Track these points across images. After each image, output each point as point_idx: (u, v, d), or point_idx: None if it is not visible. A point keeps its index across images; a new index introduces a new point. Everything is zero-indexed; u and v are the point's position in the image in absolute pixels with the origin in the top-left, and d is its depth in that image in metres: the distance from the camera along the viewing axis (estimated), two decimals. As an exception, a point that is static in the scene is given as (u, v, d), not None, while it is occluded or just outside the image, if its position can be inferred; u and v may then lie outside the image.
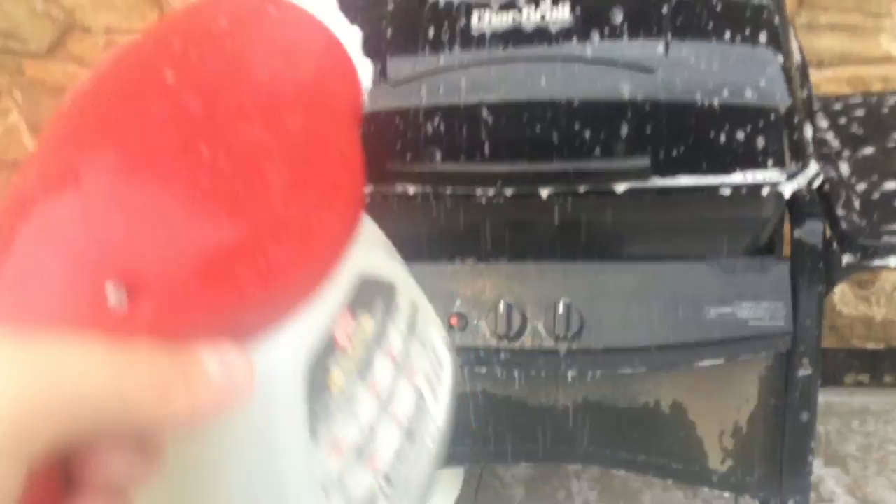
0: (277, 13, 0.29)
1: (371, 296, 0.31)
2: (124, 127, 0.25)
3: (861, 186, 0.76)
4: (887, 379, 1.37)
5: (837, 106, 0.89)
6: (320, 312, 0.28)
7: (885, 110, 0.87)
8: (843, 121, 0.87)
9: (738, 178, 0.68)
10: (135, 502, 0.24)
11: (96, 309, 0.23)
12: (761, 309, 0.74)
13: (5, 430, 0.20)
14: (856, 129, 0.85)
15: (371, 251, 0.32)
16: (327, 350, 0.29)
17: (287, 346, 0.27)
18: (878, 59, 1.05)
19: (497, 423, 0.91)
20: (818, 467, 1.26)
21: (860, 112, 0.88)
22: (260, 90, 0.27)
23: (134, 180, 0.24)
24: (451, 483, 1.16)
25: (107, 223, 0.24)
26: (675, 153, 0.68)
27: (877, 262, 0.69)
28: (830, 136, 0.84)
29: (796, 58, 0.74)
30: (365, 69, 0.32)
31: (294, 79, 0.28)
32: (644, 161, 0.67)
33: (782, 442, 0.83)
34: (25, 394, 0.20)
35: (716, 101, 0.67)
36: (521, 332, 0.80)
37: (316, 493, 0.29)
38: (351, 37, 0.31)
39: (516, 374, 0.84)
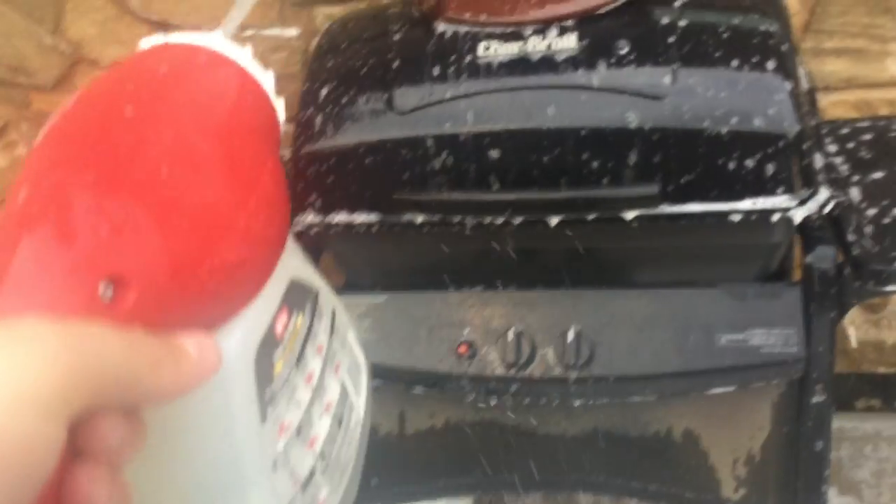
0: (206, 60, 0.35)
1: (300, 297, 0.37)
2: (98, 153, 0.30)
3: (872, 211, 0.76)
4: (899, 403, 1.35)
5: (845, 130, 0.88)
6: (263, 308, 0.34)
7: (893, 134, 0.87)
8: (851, 145, 0.86)
9: (748, 204, 0.68)
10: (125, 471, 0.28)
11: (91, 302, 0.27)
12: (773, 335, 0.73)
13: (55, 392, 0.24)
14: (865, 153, 0.85)
15: (296, 259, 0.38)
16: (270, 341, 0.34)
17: (239, 336, 0.33)
18: (884, 83, 1.05)
19: (506, 452, 0.90)
20: (832, 496, 1.24)
21: (868, 136, 0.88)
22: (198, 120, 0.32)
23: (111, 196, 0.29)
24: (459, 512, 1.15)
25: (94, 232, 0.28)
26: (683, 180, 0.68)
27: (889, 288, 0.68)
28: (839, 161, 0.83)
29: (804, 84, 0.74)
30: (279, 105, 0.38)
31: (222, 109, 0.34)
32: (653, 188, 0.67)
33: (796, 470, 0.82)
34: (68, 363, 0.24)
35: (724, 128, 0.67)
36: (530, 361, 0.79)
37: (266, 467, 0.34)
38: (265, 77, 0.38)
39: (525, 402, 0.84)
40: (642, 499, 0.89)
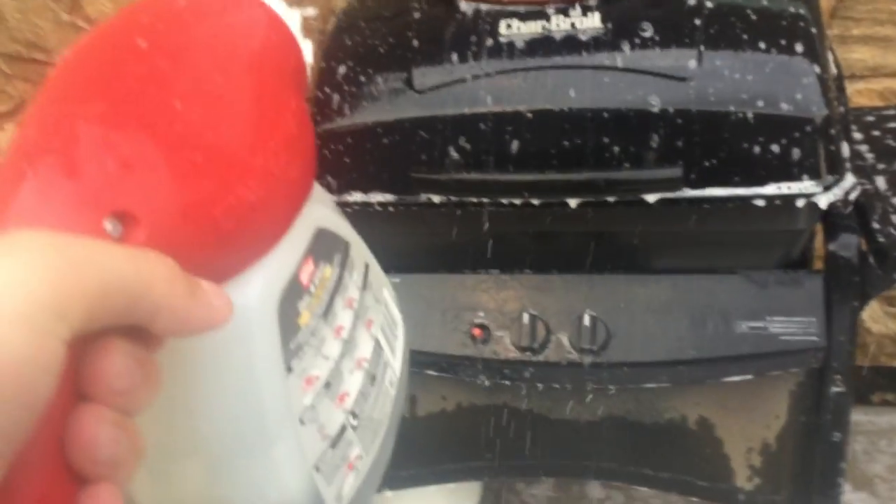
0: None
1: (328, 247, 0.36)
2: (109, 84, 0.29)
3: (897, 200, 0.74)
4: (916, 398, 1.34)
5: (870, 118, 0.87)
6: (286, 255, 0.33)
7: (919, 123, 0.86)
8: (876, 133, 0.85)
9: (773, 189, 0.67)
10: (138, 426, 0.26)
11: (96, 237, 0.26)
12: (793, 324, 0.72)
13: (48, 304, 0.22)
14: (890, 141, 0.83)
15: (325, 209, 0.37)
16: (295, 290, 0.33)
17: (260, 284, 0.32)
18: (911, 72, 1.03)
19: (517, 437, 0.89)
20: (847, 491, 1.23)
21: (893, 124, 0.86)
22: (217, 56, 0.31)
23: (121, 129, 0.28)
24: (468, 497, 1.14)
25: (100, 166, 0.27)
26: (707, 163, 0.67)
27: (915, 278, 0.67)
28: (864, 149, 0.82)
29: (832, 69, 0.72)
30: (306, 47, 0.37)
31: (245, 47, 0.32)
32: (676, 171, 0.66)
33: (812, 461, 0.81)
34: (63, 272, 0.23)
35: (750, 111, 0.66)
36: (544, 345, 0.78)
37: (293, 422, 0.33)
38: (291, 17, 0.36)
39: (539, 387, 0.83)
40: (654, 487, 0.88)
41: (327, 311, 0.35)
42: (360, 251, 0.40)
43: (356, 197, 0.77)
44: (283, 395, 0.33)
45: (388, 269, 0.86)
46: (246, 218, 0.30)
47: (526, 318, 0.79)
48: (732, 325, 0.73)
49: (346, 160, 0.76)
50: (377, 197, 0.76)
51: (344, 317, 0.37)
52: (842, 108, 0.73)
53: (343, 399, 0.36)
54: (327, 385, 0.35)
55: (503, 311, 0.80)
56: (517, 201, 0.71)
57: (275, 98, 0.32)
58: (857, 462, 1.27)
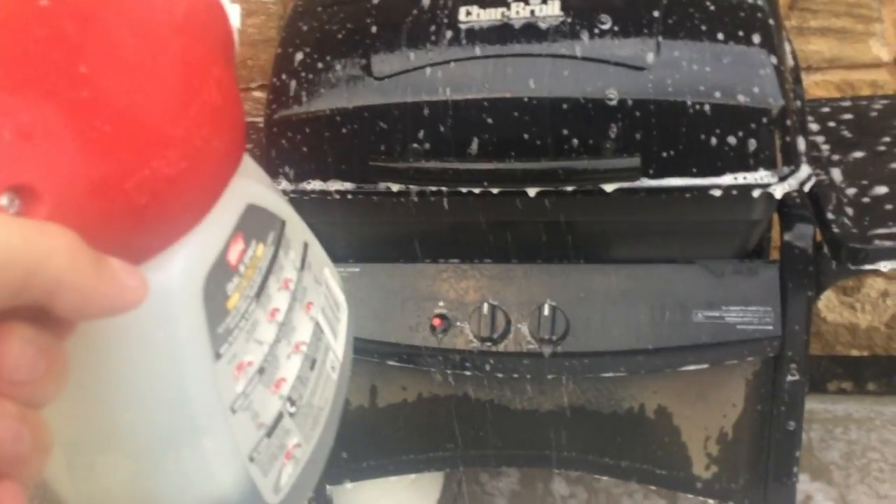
0: None
1: (261, 225, 0.34)
2: (6, 46, 0.26)
3: (851, 191, 0.75)
4: (870, 387, 1.36)
5: (826, 109, 0.88)
6: (212, 233, 0.31)
7: (874, 114, 0.87)
8: (831, 125, 0.86)
9: (729, 179, 0.67)
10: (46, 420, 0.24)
11: None
12: (749, 313, 0.73)
13: None
14: (845, 133, 0.84)
15: (258, 184, 0.35)
16: (222, 271, 0.31)
17: (182, 264, 0.30)
18: (867, 64, 1.04)
19: (478, 427, 0.89)
20: (804, 481, 1.25)
21: (848, 116, 0.87)
22: (133, 17, 0.28)
23: (18, 95, 0.25)
24: (429, 490, 1.14)
25: None
26: (665, 153, 0.67)
27: (867, 267, 0.68)
28: (820, 140, 0.83)
29: (790, 60, 0.73)
30: (233, 11, 0.35)
31: (165, 9, 0.30)
32: (634, 161, 0.66)
33: (768, 449, 0.82)
34: None
35: (708, 102, 0.66)
36: (504, 335, 0.78)
37: (224, 411, 0.31)
38: None
39: (499, 377, 0.83)
40: (613, 476, 0.89)
41: (260, 293, 0.33)
42: (298, 229, 0.38)
43: (314, 185, 0.76)
44: (211, 382, 0.31)
45: (347, 258, 0.85)
46: (163, 192, 0.28)
47: (486, 308, 0.78)
48: (689, 315, 0.74)
49: (304, 148, 0.75)
50: (336, 185, 0.75)
51: (279, 299, 0.35)
52: (798, 100, 0.74)
53: (279, 385, 0.34)
54: (261, 371, 0.33)
55: (463, 301, 0.80)
56: (476, 190, 0.70)
57: (197, 64, 0.30)
58: (812, 450, 1.29)
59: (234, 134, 0.32)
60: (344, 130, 0.73)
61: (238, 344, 0.32)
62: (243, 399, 0.32)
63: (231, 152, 0.32)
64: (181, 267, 0.30)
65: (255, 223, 0.33)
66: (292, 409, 0.35)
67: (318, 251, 0.40)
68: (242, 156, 0.33)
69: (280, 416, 0.34)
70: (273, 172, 0.77)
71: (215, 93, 0.30)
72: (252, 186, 0.34)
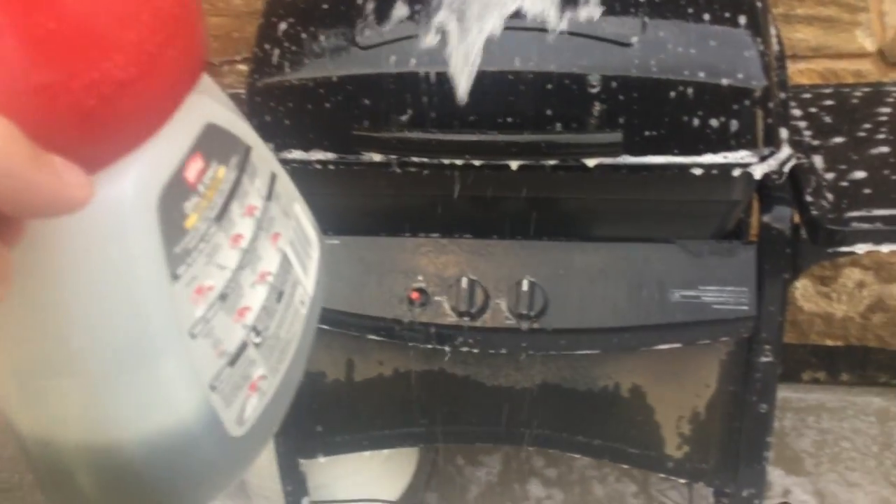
0: None
1: (222, 146, 0.33)
2: None
3: (830, 175, 0.76)
4: (844, 377, 1.38)
5: (808, 95, 0.88)
6: (168, 148, 0.30)
7: (855, 101, 0.87)
8: (813, 110, 0.86)
9: (710, 158, 0.67)
10: None
11: None
12: (726, 293, 0.73)
13: None
14: (826, 118, 0.85)
15: (220, 106, 0.34)
16: (179, 188, 0.30)
17: (136, 176, 0.29)
18: (852, 54, 1.05)
19: (453, 403, 0.89)
20: (779, 476, 1.27)
21: (830, 102, 0.88)
22: None
23: None
24: (403, 467, 1.14)
25: None
26: (647, 130, 0.67)
27: (843, 249, 0.68)
28: (802, 126, 0.83)
29: (774, 43, 0.73)
30: None
31: None
32: (616, 136, 0.66)
33: (740, 430, 0.82)
34: None
35: (691, 80, 0.66)
36: (483, 310, 0.78)
37: (181, 334, 0.30)
38: None
39: (476, 352, 0.83)
40: (586, 454, 0.89)
41: (221, 216, 0.32)
42: (266, 159, 0.37)
43: (296, 155, 0.75)
44: (168, 304, 0.30)
45: (326, 230, 0.84)
46: (113, 97, 0.27)
47: (465, 282, 0.78)
48: (667, 294, 0.74)
49: (286, 117, 0.75)
50: (317, 155, 0.75)
51: (243, 225, 0.34)
52: (782, 83, 0.74)
53: (243, 314, 0.33)
54: (223, 297, 0.32)
55: (442, 275, 0.80)
56: (458, 162, 0.70)
57: None
58: (785, 438, 1.30)
59: (191, 46, 0.31)
60: (327, 100, 0.73)
61: (197, 266, 0.31)
62: (203, 324, 0.31)
63: (187, 64, 0.31)
64: (134, 179, 0.29)
65: (215, 143, 0.33)
66: (257, 340, 0.34)
67: (287, 184, 0.39)
68: (202, 72, 0.32)
69: (244, 346, 0.34)
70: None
71: (174, 3, 0.29)
72: (213, 106, 0.33)
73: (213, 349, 0.32)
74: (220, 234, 0.32)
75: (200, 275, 0.31)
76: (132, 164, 0.29)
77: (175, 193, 0.30)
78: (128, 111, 0.28)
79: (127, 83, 0.27)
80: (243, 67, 1.16)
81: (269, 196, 0.36)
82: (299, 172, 0.76)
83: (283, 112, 0.75)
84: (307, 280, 0.39)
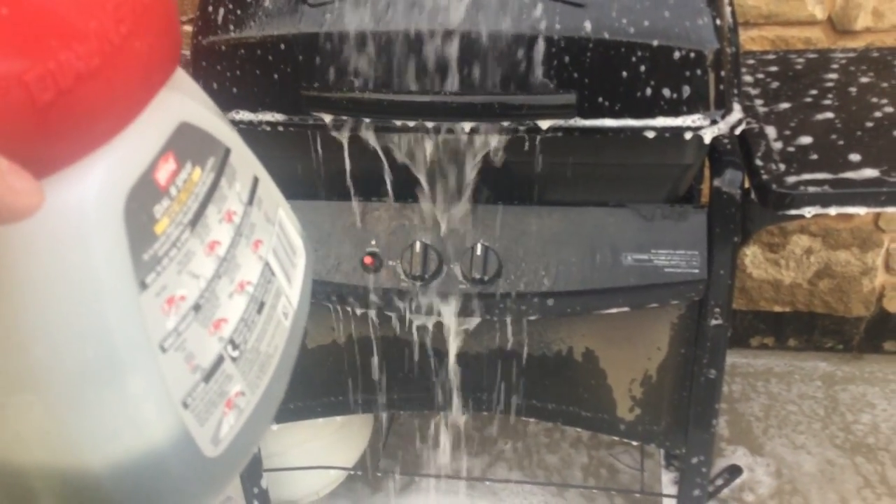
0: None
1: (198, 147, 0.31)
2: None
3: (778, 139, 0.76)
4: (791, 342, 1.41)
5: (753, 61, 0.89)
6: (136, 147, 0.28)
7: (799, 67, 0.88)
8: (760, 76, 0.87)
9: (662, 121, 0.67)
10: None
11: None
12: (677, 257, 0.74)
13: None
14: (772, 84, 0.85)
15: (197, 104, 0.32)
16: (148, 190, 0.28)
17: (100, 177, 0.27)
18: (802, 22, 1.06)
19: (407, 369, 0.89)
20: (742, 455, 1.29)
21: (775, 68, 0.88)
22: None
23: None
24: (357, 435, 1.14)
25: None
26: (600, 92, 0.67)
27: (792, 212, 0.69)
28: (750, 91, 0.84)
29: (727, 9, 0.73)
30: None
31: None
32: (570, 98, 0.66)
33: (690, 393, 0.84)
34: None
35: (644, 41, 0.66)
36: (436, 274, 0.78)
37: (151, 349, 0.28)
38: None
39: (430, 317, 0.82)
40: (539, 418, 0.90)
41: (196, 221, 0.30)
42: (247, 161, 0.35)
43: (243, 115, 0.73)
44: (134, 315, 0.28)
45: (278, 195, 0.83)
46: (71, 91, 0.24)
47: (418, 247, 0.78)
48: (619, 258, 0.75)
49: (233, 77, 0.73)
50: (265, 116, 0.73)
51: (220, 231, 0.32)
52: (733, 47, 0.74)
53: (219, 326, 0.31)
54: (197, 308, 0.30)
55: (395, 240, 0.79)
56: (410, 123, 0.69)
57: None
58: (734, 402, 1.33)
59: (163, 37, 0.29)
60: (274, 59, 0.71)
61: (168, 275, 0.29)
62: (175, 337, 0.29)
63: (158, 57, 0.29)
64: (97, 181, 0.27)
65: (190, 144, 0.30)
66: (234, 354, 0.32)
67: (271, 189, 0.37)
68: (175, 65, 0.30)
69: (220, 360, 0.31)
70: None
71: None
72: (188, 104, 0.31)
73: (185, 364, 0.30)
74: (195, 240, 0.30)
75: (172, 284, 0.29)
76: (96, 164, 0.27)
77: (144, 196, 0.28)
78: (89, 106, 0.26)
79: (87, 76, 0.25)
80: (189, 28, 1.12)
81: (251, 201, 0.34)
82: (248, 134, 0.74)
83: (230, 72, 0.73)
84: (291, 290, 0.37)
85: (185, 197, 0.30)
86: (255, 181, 0.35)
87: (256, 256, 0.34)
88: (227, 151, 0.33)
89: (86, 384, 0.28)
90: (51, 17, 0.24)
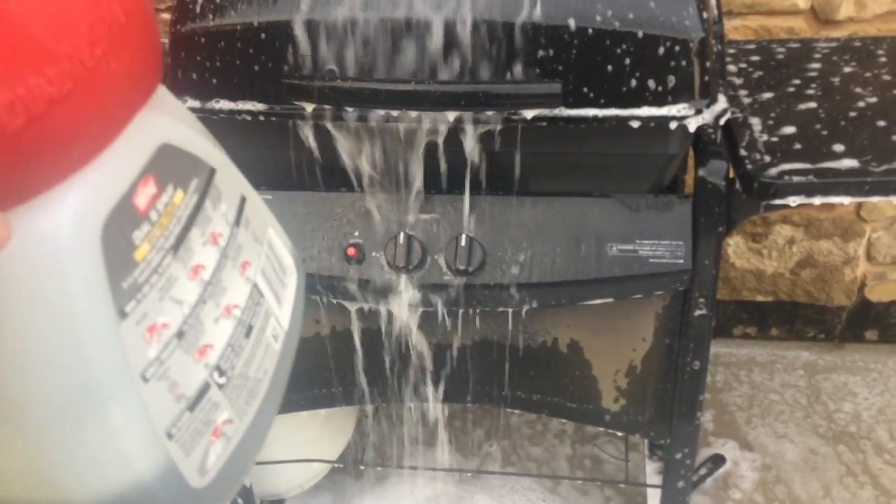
0: None
1: (180, 169, 0.30)
2: None
3: (762, 129, 0.76)
4: (773, 332, 1.42)
5: (733, 50, 0.89)
6: (113, 172, 0.27)
7: (781, 56, 0.88)
8: (742, 65, 0.87)
9: (647, 110, 0.67)
10: None
11: None
12: (662, 247, 0.74)
13: None
14: (755, 73, 0.85)
15: (179, 124, 0.31)
16: (126, 215, 0.27)
17: (74, 205, 0.26)
18: (785, 11, 1.06)
19: (392, 361, 0.88)
20: (732, 448, 1.30)
21: (757, 57, 0.88)
22: None
23: None
24: (341, 428, 1.13)
25: None
26: (585, 81, 0.66)
27: (777, 202, 0.69)
28: (734, 81, 0.84)
29: (710, -4, 0.73)
30: None
31: None
32: (555, 87, 0.65)
33: (674, 381, 0.84)
34: None
35: (629, 30, 0.65)
36: (420, 265, 0.77)
37: (132, 379, 0.27)
38: None
39: (413, 309, 0.82)
40: (524, 409, 0.89)
41: (178, 245, 0.29)
42: (234, 181, 0.34)
43: (223, 105, 0.72)
44: (114, 345, 0.27)
45: (259, 185, 0.82)
46: (43, 117, 0.23)
47: (402, 238, 0.77)
48: (604, 248, 0.74)
49: (213, 66, 0.71)
50: (246, 105, 0.72)
51: (205, 254, 0.31)
52: (717, 36, 0.74)
53: (204, 352, 0.30)
54: (180, 334, 0.29)
55: (379, 230, 0.78)
56: (394, 112, 0.68)
57: None
58: (717, 391, 1.34)
59: (142, 59, 0.28)
60: (255, 47, 0.70)
61: (149, 302, 0.28)
62: (157, 366, 0.28)
63: (136, 79, 0.28)
64: (72, 208, 0.26)
65: (171, 166, 0.29)
66: (221, 380, 0.31)
67: (259, 207, 0.35)
68: (155, 85, 0.29)
69: (206, 388, 0.30)
70: (178, 91, 0.73)
71: (117, 7, 0.26)
72: (169, 125, 0.30)
73: (169, 393, 0.29)
74: (177, 264, 0.29)
75: (153, 311, 0.28)
76: (71, 189, 0.26)
77: (122, 222, 0.27)
78: (62, 132, 0.25)
79: (60, 100, 0.24)
80: (167, 16, 1.11)
81: (237, 221, 0.33)
82: (229, 124, 0.73)
83: (209, 61, 0.72)
84: (281, 311, 0.35)
85: (167, 221, 0.29)
86: (243, 200, 0.34)
87: (244, 278, 0.33)
88: (212, 172, 0.32)
89: (65, 416, 0.27)
90: (20, 39, 0.23)
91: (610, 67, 0.66)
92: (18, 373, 0.26)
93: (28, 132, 0.23)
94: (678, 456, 0.88)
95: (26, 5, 0.23)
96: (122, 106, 0.27)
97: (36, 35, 0.23)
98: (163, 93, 0.30)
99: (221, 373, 0.31)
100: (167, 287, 0.29)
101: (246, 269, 0.33)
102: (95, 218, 0.26)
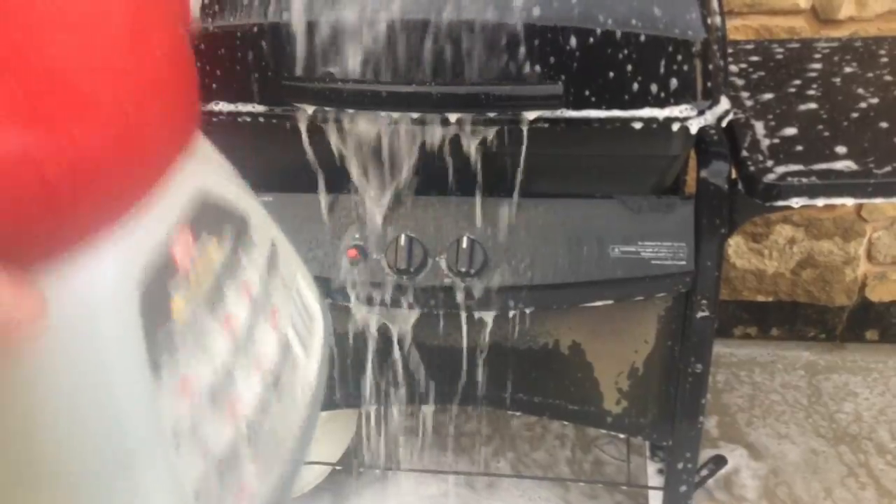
0: None
1: (217, 221, 0.29)
2: None
3: (764, 130, 0.76)
4: (774, 332, 1.41)
5: (733, 50, 0.89)
6: (152, 226, 0.26)
7: (781, 57, 0.88)
8: (743, 66, 0.87)
9: (650, 112, 0.67)
10: None
11: None
12: (664, 248, 0.73)
13: None
14: (756, 74, 0.85)
15: (214, 173, 0.30)
16: (165, 271, 0.26)
17: (114, 258, 0.24)
18: (786, 11, 1.05)
19: (392, 363, 0.88)
20: (731, 449, 1.29)
21: (757, 58, 0.88)
22: None
23: None
24: (342, 430, 1.13)
25: None
26: (586, 82, 0.66)
27: (780, 203, 0.69)
28: (736, 82, 0.83)
29: (712, -4, 0.72)
30: None
31: None
32: (556, 88, 0.65)
33: (676, 386, 0.83)
34: None
35: (631, 31, 0.65)
36: (422, 268, 0.77)
37: (163, 439, 0.26)
38: None
39: (415, 311, 0.81)
40: (526, 412, 0.89)
41: (212, 297, 0.28)
42: (265, 227, 0.33)
43: (223, 107, 0.72)
44: (147, 405, 0.26)
45: (258, 187, 0.81)
46: (83, 165, 0.22)
47: (403, 240, 0.77)
48: (606, 250, 0.74)
49: (213, 67, 0.71)
50: (246, 107, 0.72)
51: (237, 306, 0.29)
52: (720, 37, 0.73)
53: (234, 409, 0.29)
54: (212, 392, 0.28)
55: (380, 232, 0.78)
56: (395, 115, 0.68)
57: (136, 20, 0.25)
58: (718, 392, 1.33)
59: (182, 109, 0.27)
60: (255, 49, 0.70)
61: (183, 358, 0.27)
62: (189, 425, 0.27)
63: (175, 130, 0.27)
64: (112, 264, 0.24)
65: (208, 217, 0.28)
66: (250, 438, 0.30)
67: (288, 252, 0.34)
68: (193, 132, 0.28)
69: (234, 446, 0.29)
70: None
71: (159, 56, 0.25)
72: (206, 174, 0.29)
73: (199, 452, 0.28)
74: (210, 318, 0.28)
75: (186, 367, 0.27)
76: (108, 244, 0.24)
77: (159, 276, 0.26)
78: (103, 181, 0.24)
79: (101, 148, 0.23)
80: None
81: (268, 269, 0.32)
82: (228, 126, 0.73)
83: (210, 61, 0.71)
84: (309, 362, 0.34)
85: (202, 271, 0.28)
86: (273, 248, 0.33)
87: (273, 329, 0.32)
88: (245, 220, 0.31)
89: (94, 481, 0.26)
90: (62, 86, 0.22)
91: (612, 69, 0.66)
92: (51, 435, 0.25)
93: (67, 181, 0.22)
94: (680, 459, 0.88)
95: (69, 54, 0.22)
96: (162, 157, 0.27)
97: (79, 81, 0.23)
98: (197, 136, 0.30)
99: (252, 431, 0.30)
100: (200, 340, 0.28)
101: (276, 318, 0.32)
102: (133, 273, 0.25)
